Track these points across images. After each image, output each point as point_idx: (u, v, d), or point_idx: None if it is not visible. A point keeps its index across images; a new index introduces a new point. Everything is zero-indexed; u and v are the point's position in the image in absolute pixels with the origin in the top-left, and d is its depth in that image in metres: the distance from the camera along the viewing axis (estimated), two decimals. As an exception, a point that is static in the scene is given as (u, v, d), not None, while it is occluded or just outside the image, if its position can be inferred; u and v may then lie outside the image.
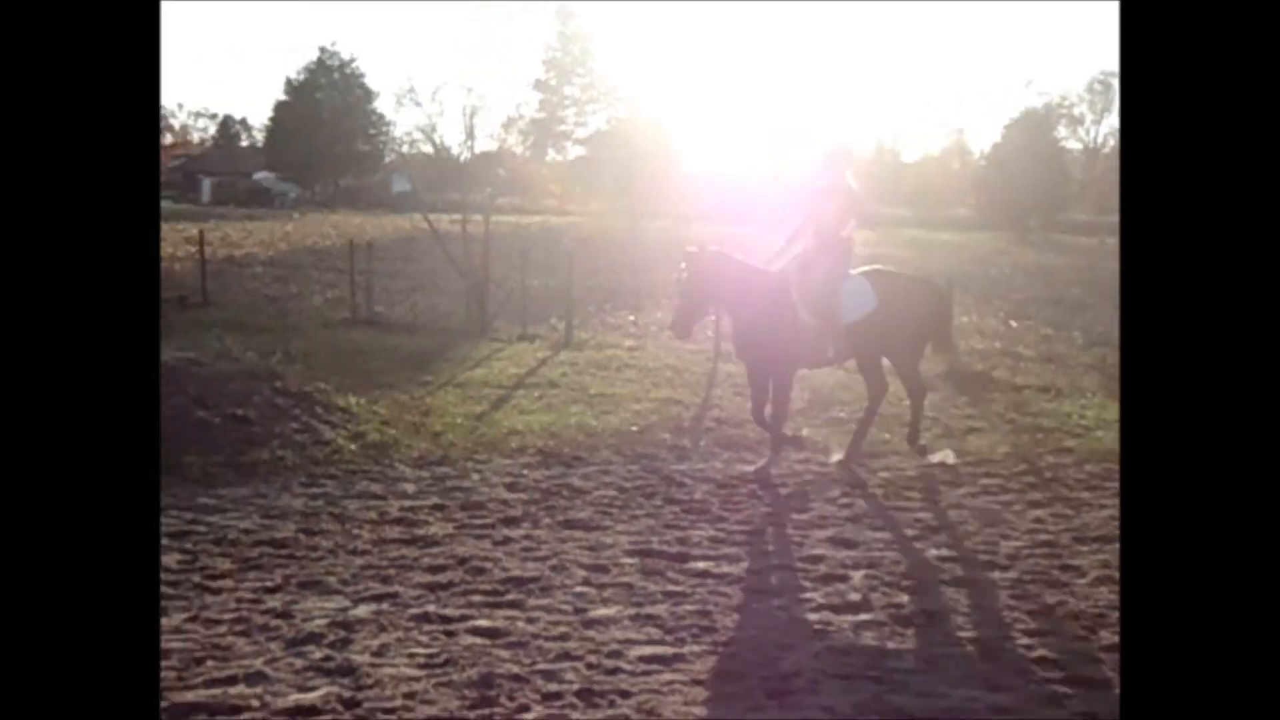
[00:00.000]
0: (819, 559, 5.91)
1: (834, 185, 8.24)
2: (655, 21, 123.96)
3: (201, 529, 6.17)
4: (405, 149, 58.36)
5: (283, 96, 68.87)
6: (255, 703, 3.98)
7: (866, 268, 8.49)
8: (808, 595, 5.36)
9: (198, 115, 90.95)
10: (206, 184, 69.85)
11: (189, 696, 4.03)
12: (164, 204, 42.35)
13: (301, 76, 68.99)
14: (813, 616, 5.08)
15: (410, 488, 7.40)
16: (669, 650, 4.62)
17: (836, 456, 8.28)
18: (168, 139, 64.95)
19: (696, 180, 52.83)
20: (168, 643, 4.55)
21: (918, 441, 8.44)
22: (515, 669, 4.33)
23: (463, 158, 24.69)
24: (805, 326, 8.00)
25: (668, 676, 4.36)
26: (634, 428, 9.23)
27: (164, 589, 5.25)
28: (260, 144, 76.09)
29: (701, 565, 5.74)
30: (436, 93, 35.16)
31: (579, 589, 5.31)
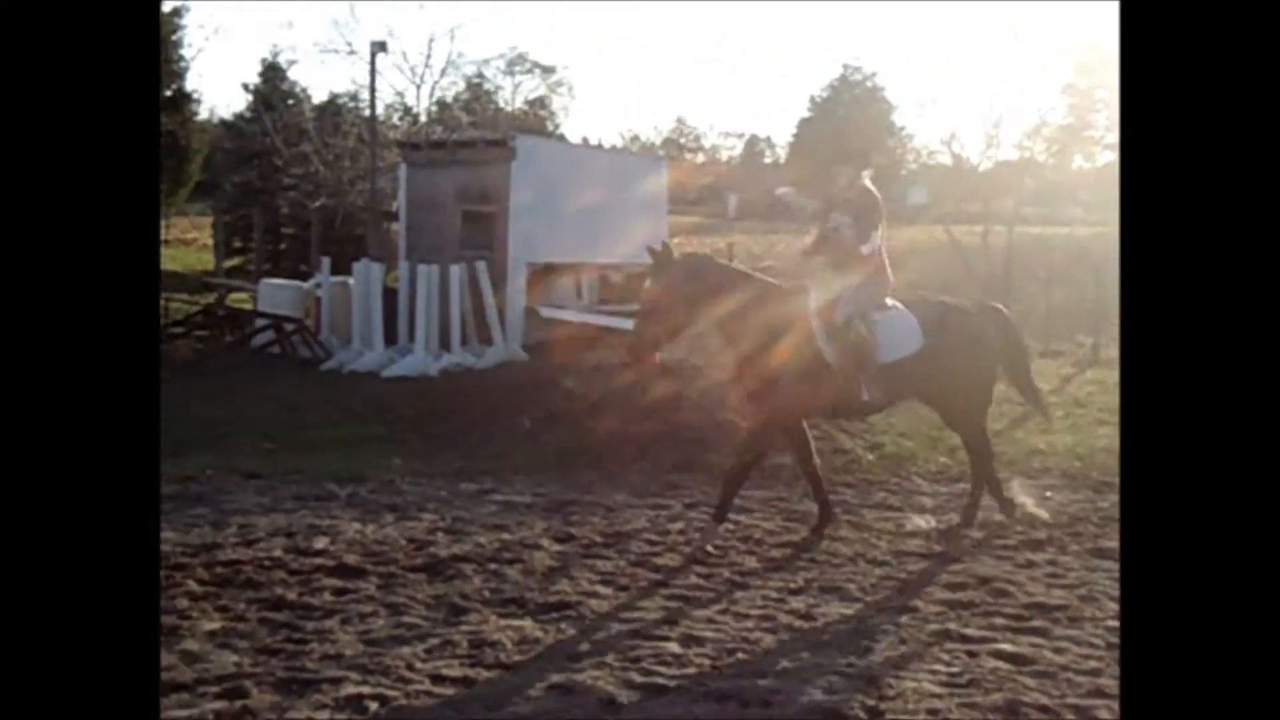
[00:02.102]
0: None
1: (847, 191, 6.57)
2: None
3: (730, 527, 6.52)
4: (923, 160, 57.94)
5: (806, 114, 71.01)
6: (783, 698, 4.14)
7: (915, 299, 6.74)
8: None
9: (726, 135, 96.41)
10: (732, 200, 73.88)
11: (722, 685, 4.28)
12: (693, 219, 45.20)
13: (825, 94, 70.70)
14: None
15: (928, 501, 7.35)
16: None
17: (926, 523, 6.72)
18: (699, 158, 69.33)
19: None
20: (701, 631, 4.88)
21: (973, 523, 6.63)
22: (1043, 699, 4.14)
23: (982, 167, 24.10)
24: (829, 365, 6.29)
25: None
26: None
27: (698, 580, 5.63)
28: (783, 160, 79.15)
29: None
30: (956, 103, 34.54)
31: (1111, 622, 4.99)
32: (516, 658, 4.59)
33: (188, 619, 4.97)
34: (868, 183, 6.59)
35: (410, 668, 4.47)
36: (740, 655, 4.61)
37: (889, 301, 6.58)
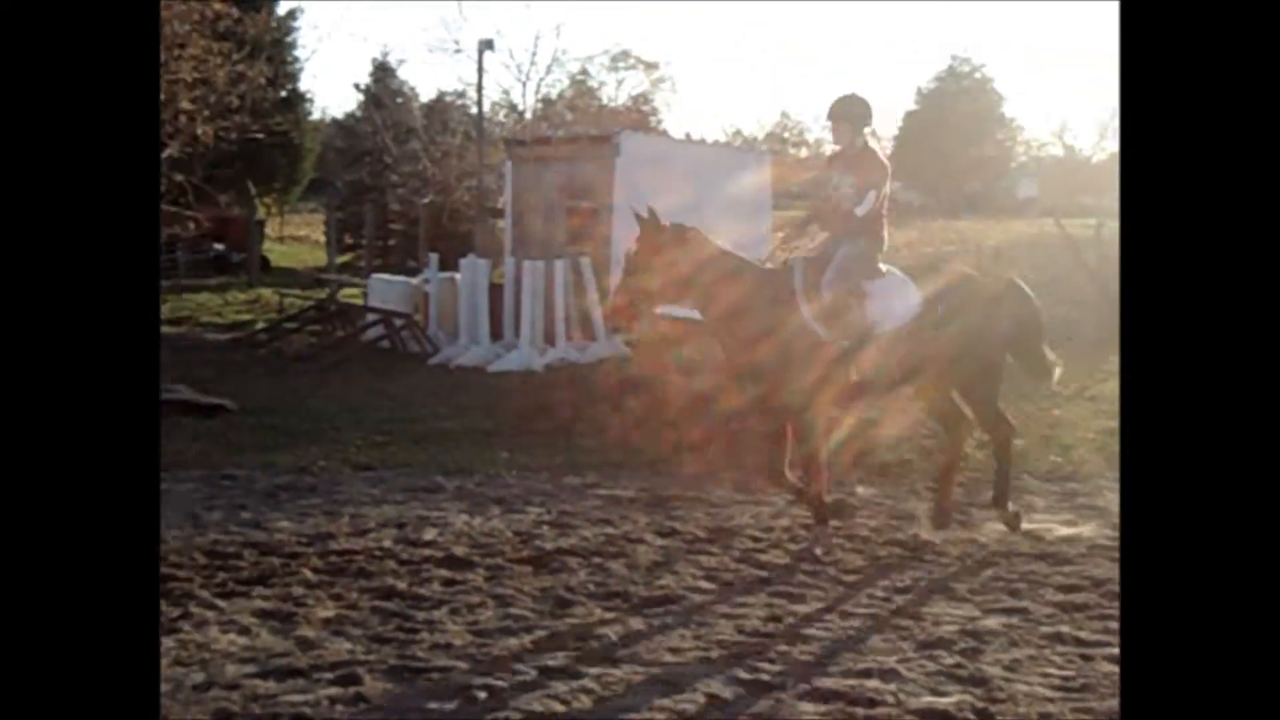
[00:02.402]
0: None
1: (847, 152, 6.30)
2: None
3: (836, 524, 6.47)
4: (1033, 152, 56.66)
5: (912, 106, 69.95)
6: (890, 699, 4.10)
7: (919, 263, 6.48)
8: None
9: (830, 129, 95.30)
10: (836, 194, 73.08)
11: (827, 683, 4.25)
12: (796, 213, 44.84)
13: (932, 85, 69.58)
14: None
15: (1039, 501, 7.20)
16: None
17: (928, 530, 6.38)
18: (803, 153, 68.68)
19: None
20: (807, 629, 4.85)
21: (1005, 503, 6.40)
22: (1160, 707, 4.03)
23: (1095, 159, 23.46)
24: (818, 340, 5.98)
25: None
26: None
27: (804, 578, 5.60)
28: (889, 153, 78.02)
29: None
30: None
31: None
32: (621, 651, 4.62)
33: (303, 606, 5.11)
34: (871, 142, 6.37)
35: (518, 659, 4.53)
36: (846, 654, 4.58)
37: (883, 267, 6.28)
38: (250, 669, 4.40)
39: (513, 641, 4.73)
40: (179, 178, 11.76)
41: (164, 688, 4.17)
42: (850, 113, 6.33)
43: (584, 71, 35.99)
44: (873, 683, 4.24)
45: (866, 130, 6.33)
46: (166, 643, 4.63)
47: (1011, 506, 6.48)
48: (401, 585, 5.43)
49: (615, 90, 38.91)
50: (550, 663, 4.47)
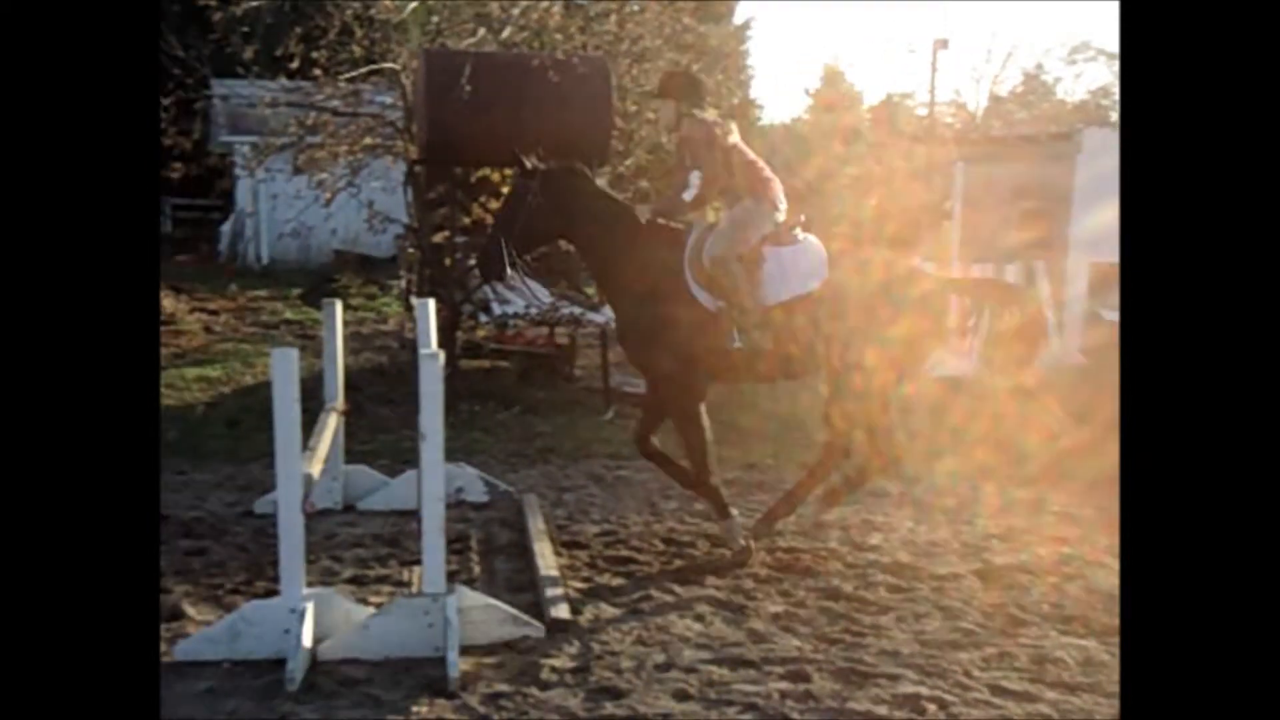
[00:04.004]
0: None
1: (691, 131, 5.68)
2: None
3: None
4: None
5: None
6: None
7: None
8: None
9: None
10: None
11: None
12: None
13: None
14: None
15: None
16: None
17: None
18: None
19: None
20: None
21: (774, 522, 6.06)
22: None
23: None
24: (699, 306, 5.55)
25: None
26: None
27: None
28: None
29: None
30: None
31: None
32: (1081, 679, 4.39)
33: (753, 600, 5.28)
34: (700, 116, 5.76)
35: (968, 674, 4.43)
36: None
37: (798, 234, 5.77)
38: (705, 655, 4.61)
39: (962, 655, 4.62)
40: (643, 184, 12.50)
41: (627, 664, 4.48)
42: (670, 91, 5.91)
43: (1039, 66, 34.37)
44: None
45: (695, 110, 5.79)
46: (629, 622, 4.96)
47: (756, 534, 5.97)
48: (848, 588, 5.47)
49: (1073, 84, 36.84)
50: (1004, 683, 4.33)
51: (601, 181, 5.91)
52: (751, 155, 5.88)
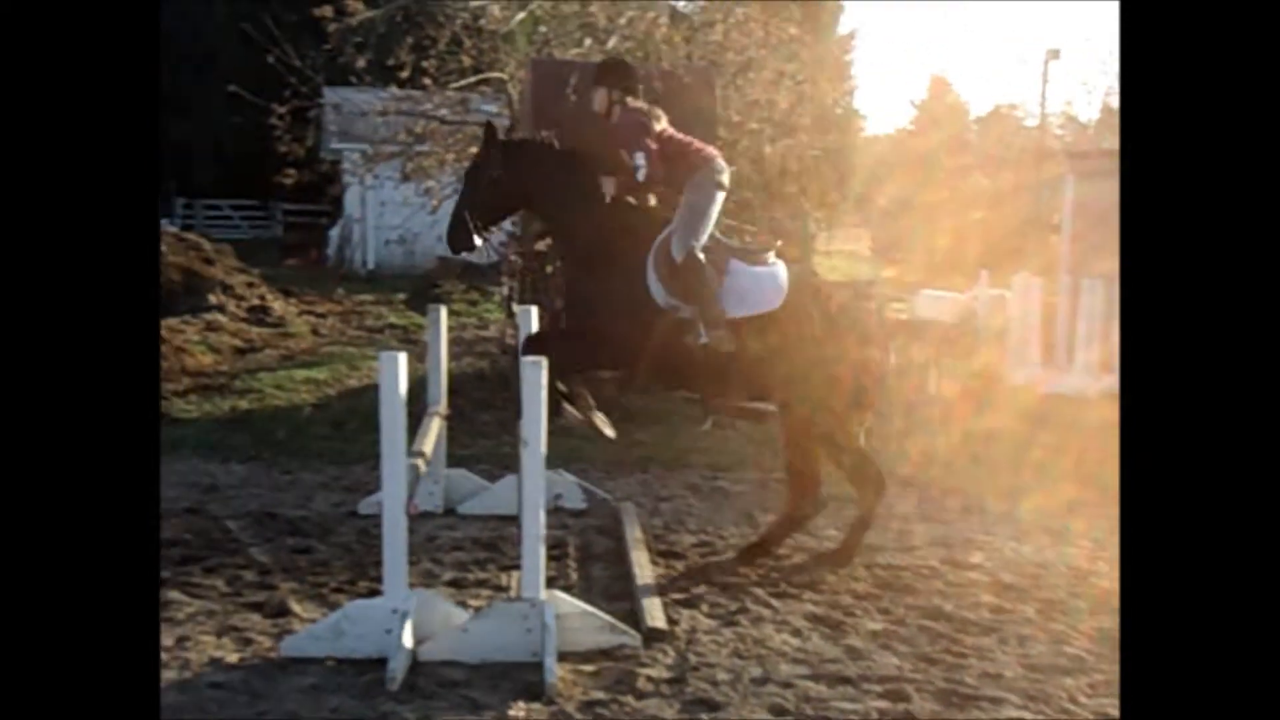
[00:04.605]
0: None
1: (624, 118, 5.79)
2: None
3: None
4: None
5: None
6: None
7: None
8: None
9: None
10: None
11: None
12: None
13: None
14: None
15: None
16: None
17: None
18: None
19: None
20: None
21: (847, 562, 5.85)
22: None
23: None
24: (659, 307, 5.50)
25: None
26: None
27: None
28: None
29: None
30: None
31: None
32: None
33: (852, 616, 5.21)
34: (633, 104, 5.85)
35: (1074, 700, 4.32)
36: None
37: (770, 258, 5.72)
38: (802, 670, 4.56)
39: (1068, 681, 4.51)
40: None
41: (723, 677, 4.46)
42: (603, 79, 5.98)
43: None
44: None
45: (629, 98, 5.87)
46: (725, 634, 4.94)
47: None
48: (949, 607, 5.37)
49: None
50: (1111, 710, 4.20)
51: (568, 149, 5.90)
52: (683, 137, 5.91)
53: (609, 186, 5.77)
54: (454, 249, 5.96)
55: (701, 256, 5.51)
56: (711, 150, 5.90)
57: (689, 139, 5.91)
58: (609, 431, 5.77)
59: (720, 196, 5.73)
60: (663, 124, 5.84)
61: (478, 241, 5.77)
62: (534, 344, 5.77)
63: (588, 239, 5.73)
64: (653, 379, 5.90)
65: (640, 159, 5.66)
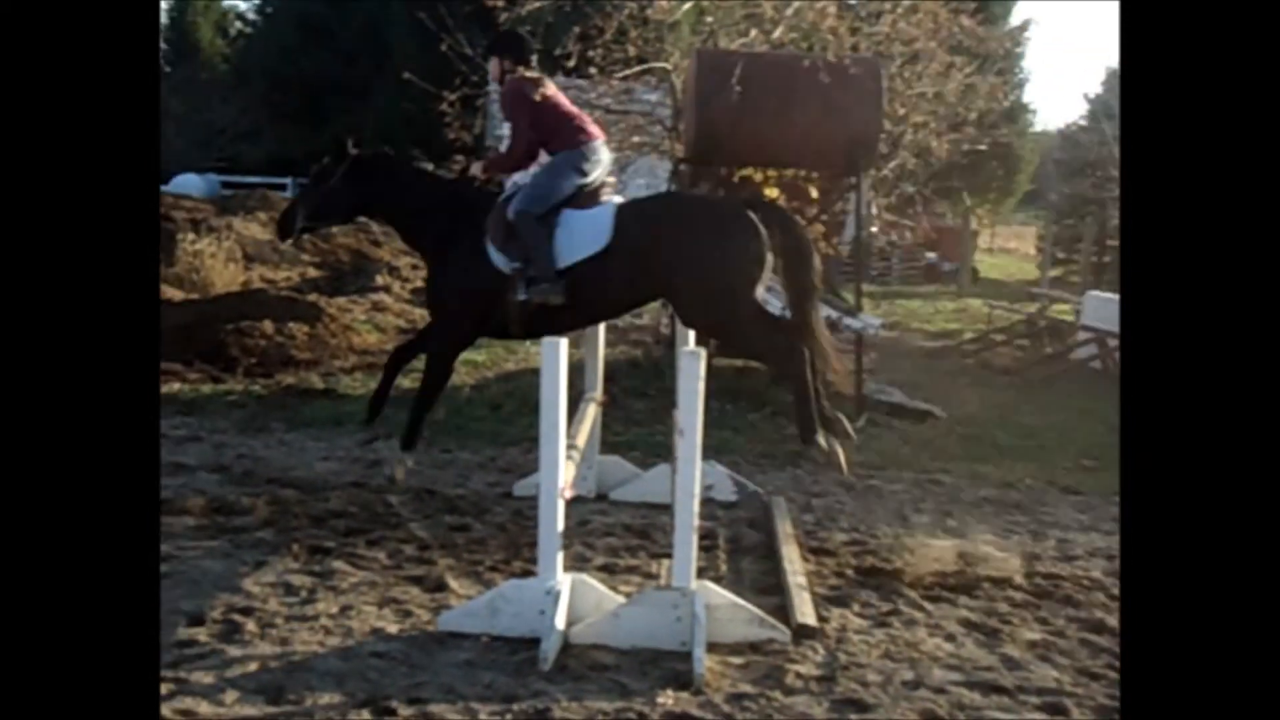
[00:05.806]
0: None
1: (506, 87, 5.99)
2: None
3: None
4: None
5: None
6: None
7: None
8: None
9: None
10: None
11: None
12: None
13: None
14: None
15: None
16: None
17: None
18: None
19: None
20: None
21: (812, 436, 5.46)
22: None
23: None
24: (491, 263, 5.72)
25: None
26: None
27: None
28: None
29: None
30: None
31: None
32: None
33: (1008, 624, 5.08)
34: (521, 74, 5.93)
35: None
36: None
37: (611, 197, 5.87)
38: (956, 677, 4.47)
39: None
40: (910, 189, 12.24)
41: (874, 678, 4.40)
42: (495, 49, 6.16)
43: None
44: None
45: (520, 67, 5.95)
46: (876, 634, 4.87)
47: (823, 440, 5.50)
48: (1111, 621, 5.17)
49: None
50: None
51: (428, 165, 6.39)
52: (569, 108, 6.01)
53: (476, 169, 6.21)
54: (279, 235, 6.55)
55: (533, 223, 5.65)
56: (592, 131, 5.97)
57: (574, 113, 6.04)
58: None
59: (576, 180, 5.80)
60: (548, 91, 5.97)
61: (296, 235, 6.33)
62: (407, 346, 6.47)
63: (435, 233, 5.99)
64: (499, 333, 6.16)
65: (506, 130, 5.98)
